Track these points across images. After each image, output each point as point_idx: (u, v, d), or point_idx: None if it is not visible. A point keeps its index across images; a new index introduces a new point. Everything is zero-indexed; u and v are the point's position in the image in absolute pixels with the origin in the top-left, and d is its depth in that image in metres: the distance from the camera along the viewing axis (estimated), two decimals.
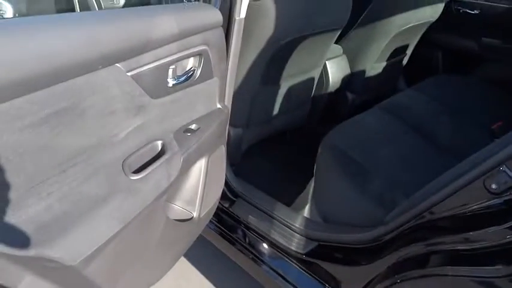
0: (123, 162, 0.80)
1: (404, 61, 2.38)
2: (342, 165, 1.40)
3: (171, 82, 0.95)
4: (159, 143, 0.91)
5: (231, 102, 1.37)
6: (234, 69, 1.27)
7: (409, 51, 2.33)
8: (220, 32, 1.09)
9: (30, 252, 0.61)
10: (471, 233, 0.95)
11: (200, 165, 1.11)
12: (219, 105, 1.20)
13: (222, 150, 1.27)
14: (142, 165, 0.85)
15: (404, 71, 2.47)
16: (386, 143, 1.53)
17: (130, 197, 0.78)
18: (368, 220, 1.26)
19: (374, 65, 2.12)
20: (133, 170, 0.82)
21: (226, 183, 1.56)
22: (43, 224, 0.64)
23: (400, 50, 2.23)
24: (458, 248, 0.96)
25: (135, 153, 0.83)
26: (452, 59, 2.38)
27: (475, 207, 0.94)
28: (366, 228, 1.22)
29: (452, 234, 0.98)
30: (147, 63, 0.83)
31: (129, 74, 0.79)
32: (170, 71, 0.93)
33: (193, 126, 1.05)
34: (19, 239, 0.60)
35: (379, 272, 1.12)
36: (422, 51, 2.38)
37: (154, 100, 0.89)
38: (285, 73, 1.67)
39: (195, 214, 1.13)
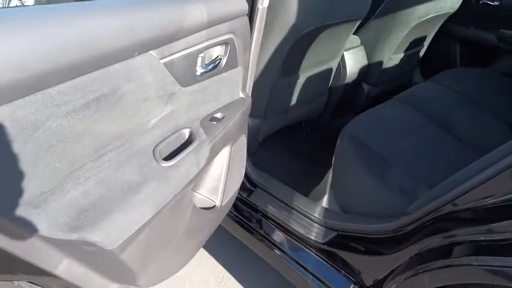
0: (154, 149, 0.81)
1: (421, 53, 2.36)
2: (362, 155, 1.40)
3: (199, 70, 0.95)
4: (187, 131, 0.92)
5: (251, 92, 1.37)
6: (255, 59, 1.27)
7: (426, 43, 2.31)
8: (245, 21, 1.09)
9: (73, 236, 0.62)
10: (496, 224, 0.95)
11: (224, 154, 1.12)
12: (242, 95, 1.20)
13: (244, 139, 1.27)
14: (172, 152, 0.86)
15: (421, 62, 2.45)
16: (406, 134, 1.53)
17: (163, 183, 0.79)
18: (388, 210, 1.26)
19: (392, 56, 2.10)
20: (164, 157, 0.83)
21: (245, 173, 1.57)
22: (82, 208, 0.65)
23: (418, 42, 2.21)
24: (483, 238, 0.97)
25: (164, 141, 0.84)
26: (470, 52, 2.35)
27: (501, 198, 0.94)
28: (387, 218, 1.22)
29: (476, 225, 0.98)
30: (178, 51, 0.84)
31: (162, 61, 0.79)
32: (199, 60, 0.94)
33: (218, 115, 1.06)
34: (61, 222, 0.61)
35: (401, 263, 1.13)
36: (439, 43, 2.35)
37: (184, 88, 0.89)
38: (304, 64, 1.67)
39: (217, 203, 1.14)
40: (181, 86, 0.88)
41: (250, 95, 1.36)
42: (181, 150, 0.87)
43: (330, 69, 1.88)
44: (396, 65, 2.19)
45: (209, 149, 0.94)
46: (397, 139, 1.49)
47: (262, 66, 1.50)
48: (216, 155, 1.06)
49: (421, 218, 1.10)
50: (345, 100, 2.13)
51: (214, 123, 1.02)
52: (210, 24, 0.93)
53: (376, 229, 1.22)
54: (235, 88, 1.15)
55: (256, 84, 1.51)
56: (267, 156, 1.91)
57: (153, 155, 0.80)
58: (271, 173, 1.65)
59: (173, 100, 0.87)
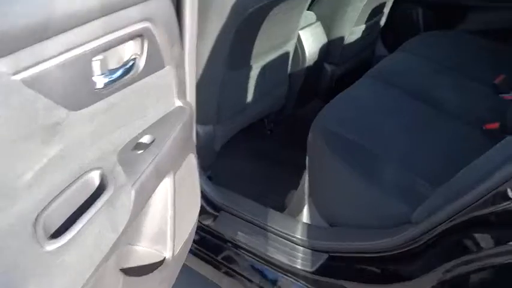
0: (35, 222, 0.49)
1: (382, 22, 2.12)
2: (341, 151, 1.14)
3: (100, 81, 0.64)
4: (95, 174, 0.61)
5: (194, 96, 1.07)
6: (192, 52, 0.96)
7: (386, 10, 2.07)
8: (166, 3, 0.78)
9: None
10: None
11: (164, 189, 0.81)
12: (178, 103, 0.90)
13: (192, 160, 0.97)
14: (69, 218, 0.54)
15: (382, 33, 2.21)
16: (388, 116, 1.27)
17: (52, 280, 0.48)
18: (386, 218, 1.01)
19: (353, 30, 1.85)
20: (53, 231, 0.52)
21: (203, 195, 1.27)
22: None
23: (378, 10, 1.97)
24: None
25: (53, 203, 0.52)
26: (435, 14, 2.14)
27: None
28: (387, 230, 0.97)
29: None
30: (50, 57, 0.52)
31: (17, 77, 0.48)
32: (96, 65, 0.62)
33: (145, 139, 0.75)
34: None
35: None
36: (400, 9, 2.12)
37: (76, 112, 0.58)
38: (255, 51, 1.37)
39: (167, 254, 0.84)
40: (71, 110, 0.57)
41: (193, 99, 1.06)
42: (87, 209, 0.56)
43: (287, 53, 1.60)
44: (358, 39, 1.94)
45: (133, 196, 0.63)
46: (379, 125, 1.23)
47: (203, 61, 1.20)
48: (149, 197, 0.75)
49: (435, 228, 0.84)
50: (308, 86, 1.86)
51: (140, 152, 0.72)
52: (107, 9, 0.62)
53: (377, 246, 0.96)
54: (167, 96, 0.84)
55: (200, 85, 1.21)
56: (229, 167, 1.62)
57: (33, 232, 0.49)
58: (236, 187, 1.36)
59: (60, 133, 0.55)
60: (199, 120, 1.32)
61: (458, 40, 1.85)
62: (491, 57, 1.71)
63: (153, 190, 0.77)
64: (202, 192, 1.28)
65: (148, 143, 0.75)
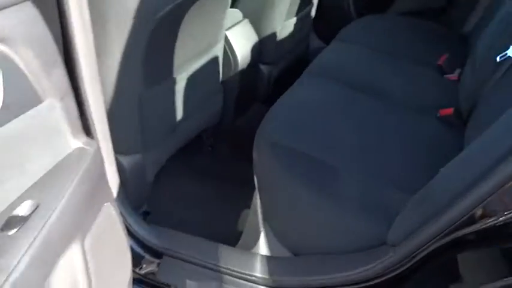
0: None
1: (313, 12, 2.00)
2: (293, 166, 0.97)
3: None
4: None
5: (107, 126, 0.86)
6: (93, 75, 0.74)
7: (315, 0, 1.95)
8: (31, 16, 0.57)
9: None
10: None
11: (68, 265, 0.59)
12: (76, 143, 0.68)
13: (109, 211, 0.76)
14: None
15: (314, 24, 2.09)
16: (337, 117, 1.13)
17: None
18: (358, 241, 0.86)
19: (284, 24, 1.70)
20: None
21: (138, 241, 1.05)
22: None
23: (307, 0, 1.84)
24: None
25: None
26: None
27: None
28: (363, 257, 0.81)
29: None
30: None
31: None
32: None
33: (23, 209, 0.53)
34: None
35: None
36: None
37: None
38: (176, 61, 1.17)
39: None
40: None
41: (106, 129, 0.85)
42: None
43: (216, 59, 1.41)
44: (291, 33, 1.80)
45: None
46: (329, 128, 1.08)
47: (111, 81, 0.98)
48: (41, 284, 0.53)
49: (418, 251, 0.70)
50: (244, 91, 1.69)
51: (14, 231, 0.49)
52: None
53: (353, 277, 0.80)
54: (55, 138, 0.62)
55: (113, 110, 0.99)
56: (168, 195, 1.40)
57: None
58: (178, 222, 1.16)
59: None
60: (122, 151, 1.10)
61: (393, 23, 1.77)
62: (429, 38, 1.64)
63: (48, 272, 0.55)
64: (137, 237, 1.06)
65: (28, 213, 0.53)
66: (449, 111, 1.19)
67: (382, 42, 1.60)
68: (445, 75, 1.46)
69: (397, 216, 0.79)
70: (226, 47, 1.53)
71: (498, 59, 1.02)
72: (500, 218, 0.58)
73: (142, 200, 1.24)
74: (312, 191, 0.92)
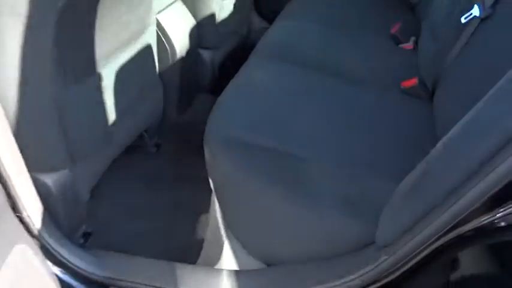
0: None
1: None
2: (253, 163, 0.83)
3: None
4: None
5: (13, 143, 0.67)
6: None
7: None
8: None
9: None
10: None
11: None
12: None
13: (24, 252, 0.57)
14: None
15: (255, 2, 1.94)
16: (296, 103, 1.00)
17: None
18: (340, 243, 0.73)
19: (223, 4, 1.54)
20: None
21: (76, 274, 0.86)
22: None
23: None
24: None
25: None
26: None
27: None
28: (349, 261, 0.69)
29: None
30: None
31: None
32: None
33: None
34: None
35: None
36: None
37: None
38: (99, 52, 0.97)
39: None
40: None
41: (13, 147, 0.65)
42: None
43: (148, 47, 1.22)
44: (232, 13, 1.64)
45: None
46: (289, 115, 0.95)
47: (15, 83, 0.77)
48: None
49: (418, 250, 0.58)
50: (187, 81, 1.51)
51: None
52: None
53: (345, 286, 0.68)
54: None
55: (23, 121, 0.79)
56: (111, 212, 1.21)
57: None
58: (126, 239, 0.99)
59: None
60: (44, 169, 0.90)
61: None
62: (379, 7, 1.55)
63: None
64: (74, 270, 0.87)
65: None
66: (413, 82, 1.10)
67: (329, 15, 1.49)
68: (399, 45, 1.38)
69: (382, 209, 0.68)
70: (159, 33, 1.34)
71: (463, 19, 0.93)
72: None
73: (78, 221, 1.05)
74: (279, 190, 0.78)
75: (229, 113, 0.95)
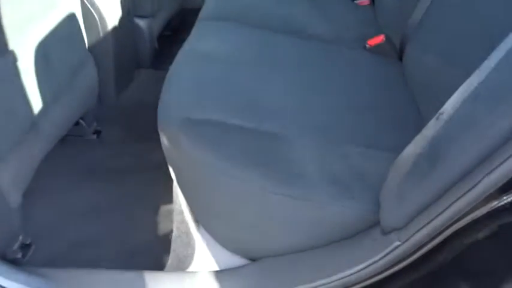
0: None
1: None
2: (222, 145, 0.70)
3: None
4: None
5: None
6: None
7: None
8: None
9: None
10: None
11: None
12: None
13: None
14: None
15: None
16: (258, 68, 0.87)
17: None
18: (332, 228, 0.64)
19: None
20: None
21: None
22: None
23: None
24: None
25: None
26: None
27: None
28: (352, 246, 0.60)
29: None
30: None
31: None
32: None
33: None
34: None
35: None
36: None
37: None
38: (8, 26, 0.77)
39: None
40: None
41: None
42: None
43: (72, 17, 1.02)
44: None
45: None
46: (253, 85, 0.82)
47: None
48: None
49: (436, 233, 0.50)
50: (123, 55, 1.31)
51: None
52: None
53: (346, 280, 0.59)
54: None
55: None
56: (52, 216, 1.03)
57: None
58: (73, 246, 0.83)
59: None
60: None
61: None
62: None
63: None
64: None
65: None
66: (380, 39, 1.02)
67: None
68: (354, 1, 1.29)
69: (376, 187, 0.59)
70: (85, 1, 1.13)
71: None
72: None
73: (12, 233, 0.86)
74: (256, 173, 0.66)
75: (183, 90, 0.80)
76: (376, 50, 1.02)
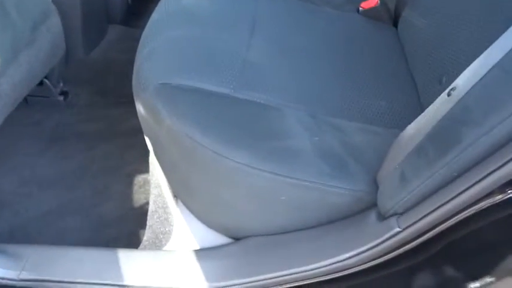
0: None
1: None
2: (207, 116, 0.63)
3: None
4: None
5: None
6: None
7: None
8: None
9: None
10: None
11: None
12: None
13: None
14: None
15: None
16: (241, 28, 0.79)
17: None
18: (323, 207, 0.60)
19: None
20: None
21: None
22: None
23: None
24: None
25: None
26: None
27: None
28: (346, 228, 0.56)
29: None
30: None
31: None
32: None
33: None
34: None
35: None
36: None
37: None
38: None
39: None
40: None
41: None
42: None
43: None
44: None
45: None
46: (236, 49, 0.74)
47: None
48: None
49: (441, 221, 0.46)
50: (91, 10, 1.18)
51: None
52: None
53: (340, 265, 0.55)
54: None
55: None
56: (15, 194, 0.95)
57: None
58: (37, 227, 0.76)
59: None
60: None
61: None
62: None
63: None
64: None
65: None
66: (374, 2, 0.94)
67: None
68: None
69: (373, 164, 0.55)
70: None
71: None
72: None
73: None
74: (239, 147, 0.60)
75: (160, 53, 0.71)
76: (369, 13, 0.95)
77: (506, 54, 0.44)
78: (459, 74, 0.50)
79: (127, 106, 0.81)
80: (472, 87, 0.46)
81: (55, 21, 1.03)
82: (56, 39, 1.04)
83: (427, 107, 0.54)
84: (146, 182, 0.94)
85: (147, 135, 0.73)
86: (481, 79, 0.45)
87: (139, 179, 0.96)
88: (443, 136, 0.46)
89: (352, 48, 0.83)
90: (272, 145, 0.59)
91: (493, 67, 0.45)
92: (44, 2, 0.99)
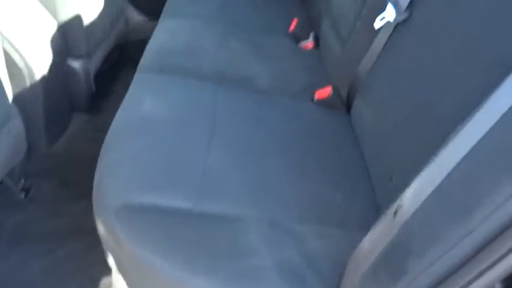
0: None
1: None
2: (161, 236, 0.63)
3: None
4: None
5: None
6: None
7: None
8: None
9: None
10: None
11: None
12: None
13: None
14: None
15: None
16: (200, 133, 0.82)
17: None
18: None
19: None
20: None
21: None
22: None
23: None
24: None
25: None
26: None
27: None
28: None
29: None
30: None
31: None
32: None
33: None
34: None
35: None
36: None
37: None
38: None
39: None
40: None
41: None
42: None
43: None
44: (103, 11, 1.34)
45: None
46: (196, 157, 0.76)
47: None
48: None
49: None
50: (55, 103, 1.20)
51: None
52: None
53: None
54: None
55: None
56: None
57: None
58: None
59: None
60: None
61: None
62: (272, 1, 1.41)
63: None
64: None
65: None
66: (327, 93, 1.00)
67: (221, 11, 1.30)
68: (299, 43, 1.27)
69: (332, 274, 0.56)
70: (6, 46, 1.01)
71: (377, 24, 0.84)
72: None
73: None
74: (198, 273, 0.60)
75: (119, 170, 0.72)
76: (324, 103, 1.00)
77: (445, 178, 0.46)
78: (407, 174, 0.51)
79: (91, 199, 0.80)
80: (416, 211, 0.48)
81: (16, 122, 1.03)
82: (17, 140, 1.04)
83: (382, 202, 0.55)
84: (111, 284, 0.91)
85: (109, 251, 0.72)
86: (422, 203, 0.47)
87: (105, 281, 0.93)
88: (392, 262, 0.48)
89: (308, 142, 0.86)
90: (233, 266, 0.59)
91: (433, 191, 0.47)
92: (4, 105, 1.00)
